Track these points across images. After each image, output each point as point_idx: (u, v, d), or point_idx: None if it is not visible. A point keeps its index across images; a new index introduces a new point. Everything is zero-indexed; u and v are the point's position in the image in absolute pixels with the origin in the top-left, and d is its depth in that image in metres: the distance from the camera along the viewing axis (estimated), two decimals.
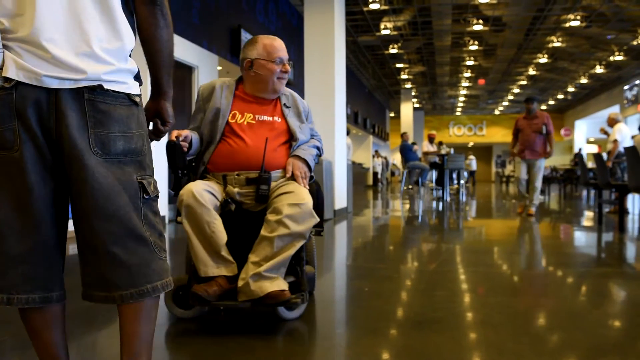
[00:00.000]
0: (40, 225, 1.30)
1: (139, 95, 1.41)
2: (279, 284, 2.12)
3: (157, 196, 1.43)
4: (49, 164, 1.30)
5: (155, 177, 1.44)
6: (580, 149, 19.29)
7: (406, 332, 2.23)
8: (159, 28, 1.39)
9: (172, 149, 2.25)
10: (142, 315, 1.36)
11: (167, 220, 6.24)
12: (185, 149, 2.27)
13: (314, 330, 2.26)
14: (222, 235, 2.16)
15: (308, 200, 2.19)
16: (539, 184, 7.25)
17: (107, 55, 1.30)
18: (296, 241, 2.17)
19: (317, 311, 2.42)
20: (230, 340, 2.06)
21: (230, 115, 2.35)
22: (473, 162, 22.71)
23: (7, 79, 1.23)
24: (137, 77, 1.41)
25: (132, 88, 1.37)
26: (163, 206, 6.16)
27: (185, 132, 2.27)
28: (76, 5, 1.26)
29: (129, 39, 1.36)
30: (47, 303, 1.34)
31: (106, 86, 1.30)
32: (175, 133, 2.24)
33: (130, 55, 1.39)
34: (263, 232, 2.16)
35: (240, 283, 2.14)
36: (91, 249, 1.32)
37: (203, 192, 2.16)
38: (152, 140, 1.53)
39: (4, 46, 1.23)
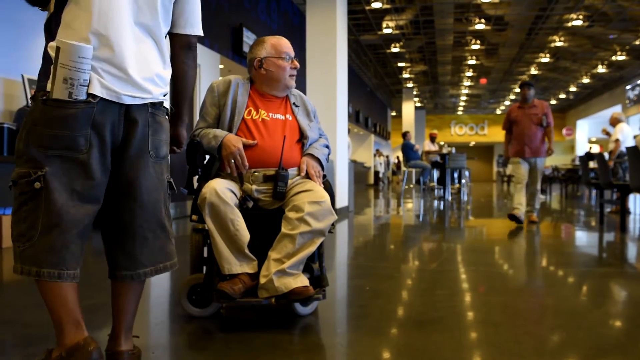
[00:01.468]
0: (88, 213, 1.54)
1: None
2: (302, 280, 2.16)
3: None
4: (107, 164, 1.55)
5: None
6: (590, 147, 19.24)
7: (407, 331, 2.23)
8: (190, 68, 1.74)
9: (194, 148, 2.29)
10: (137, 294, 1.65)
11: None
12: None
13: (314, 330, 2.26)
14: (245, 233, 2.18)
15: (327, 198, 2.23)
16: (539, 186, 6.23)
17: (160, 81, 1.63)
18: (316, 238, 2.20)
19: (318, 310, 2.42)
20: (233, 338, 2.07)
21: (246, 111, 2.37)
22: None
23: (92, 95, 1.49)
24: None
25: (168, 105, 1.72)
26: None
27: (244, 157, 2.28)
28: (140, 38, 1.58)
29: (170, 72, 1.69)
30: (76, 279, 1.55)
31: (164, 103, 1.65)
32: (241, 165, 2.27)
33: None
34: (284, 229, 2.19)
35: (262, 280, 2.16)
36: (128, 232, 1.59)
37: (225, 190, 2.18)
38: None
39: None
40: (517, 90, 21.92)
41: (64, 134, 1.48)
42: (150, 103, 1.59)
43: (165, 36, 1.68)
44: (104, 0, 1.51)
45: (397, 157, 25.49)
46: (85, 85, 1.47)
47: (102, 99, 1.49)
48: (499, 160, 32.39)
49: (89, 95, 1.48)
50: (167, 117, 1.70)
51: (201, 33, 1.76)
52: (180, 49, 1.72)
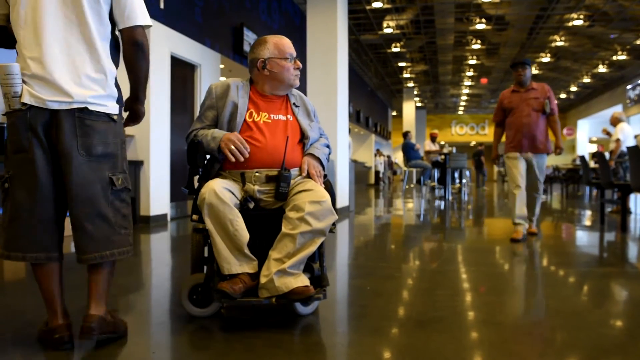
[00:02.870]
0: (43, 206, 1.83)
1: (117, 114, 1.94)
2: (303, 280, 2.17)
3: (125, 188, 1.95)
4: (52, 162, 1.83)
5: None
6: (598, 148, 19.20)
7: (408, 331, 2.23)
8: (139, 60, 1.95)
9: (195, 148, 2.30)
10: (103, 273, 1.90)
11: (169, 219, 6.23)
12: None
13: (315, 330, 2.26)
14: (244, 233, 2.18)
15: (327, 198, 2.23)
16: (540, 191, 4.95)
17: (92, 84, 1.84)
18: (317, 238, 2.21)
19: (318, 310, 2.42)
20: (234, 337, 2.07)
21: (248, 113, 2.38)
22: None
23: (23, 104, 1.79)
24: (119, 101, 1.95)
25: (111, 109, 1.91)
26: (165, 204, 6.17)
27: (244, 144, 2.28)
28: (71, 49, 1.82)
29: (111, 72, 1.90)
30: (48, 261, 1.87)
31: (90, 107, 1.84)
32: (240, 151, 2.27)
33: (117, 83, 1.94)
34: (284, 229, 2.19)
35: (263, 280, 2.16)
36: (73, 223, 1.85)
37: (224, 190, 2.18)
38: (128, 125, 2.11)
39: (23, 81, 1.80)
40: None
41: (16, 138, 1.81)
42: (77, 108, 1.81)
43: (113, 36, 1.93)
44: (28, 18, 1.80)
45: (388, 157, 25.47)
46: (17, 96, 1.78)
47: (32, 105, 1.78)
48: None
49: (22, 104, 1.78)
50: (109, 118, 1.89)
51: (143, 22, 1.92)
52: (127, 43, 1.92)
